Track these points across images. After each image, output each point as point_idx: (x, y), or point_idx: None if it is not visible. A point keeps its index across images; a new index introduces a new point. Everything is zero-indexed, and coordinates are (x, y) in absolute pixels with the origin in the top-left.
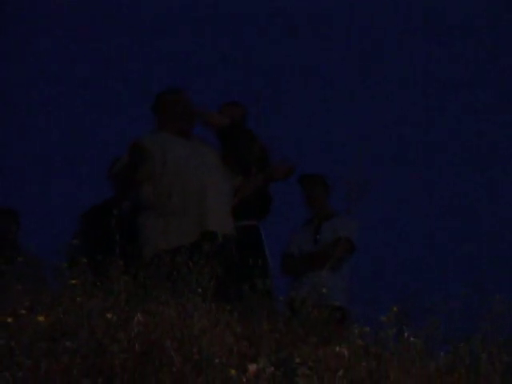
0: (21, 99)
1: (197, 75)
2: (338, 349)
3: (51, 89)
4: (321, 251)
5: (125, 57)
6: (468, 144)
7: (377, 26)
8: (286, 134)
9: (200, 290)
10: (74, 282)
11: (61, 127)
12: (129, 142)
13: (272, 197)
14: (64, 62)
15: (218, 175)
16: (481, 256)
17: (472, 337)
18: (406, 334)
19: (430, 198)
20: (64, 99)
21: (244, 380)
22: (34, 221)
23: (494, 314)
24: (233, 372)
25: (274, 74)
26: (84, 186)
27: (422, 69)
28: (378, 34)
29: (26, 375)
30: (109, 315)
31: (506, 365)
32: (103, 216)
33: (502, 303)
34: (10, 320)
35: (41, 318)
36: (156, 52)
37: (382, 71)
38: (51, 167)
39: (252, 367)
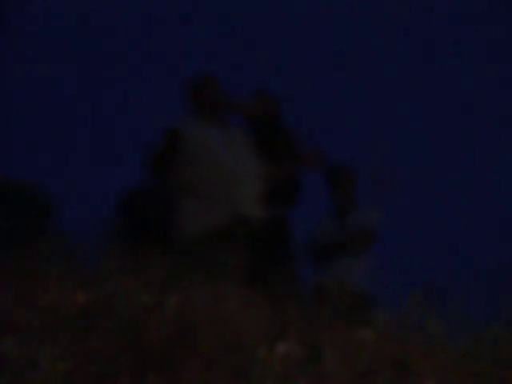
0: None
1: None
2: (362, 333)
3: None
4: (346, 240)
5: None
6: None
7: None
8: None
9: (232, 273)
10: (111, 263)
11: (97, 113)
12: (164, 127)
13: (301, 185)
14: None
15: (250, 162)
16: (503, 246)
17: (492, 323)
18: (427, 320)
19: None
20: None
21: (273, 360)
22: (73, 204)
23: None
24: (262, 352)
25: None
26: (121, 171)
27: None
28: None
29: (59, 352)
30: (145, 296)
31: None
32: (140, 200)
33: None
34: (50, 298)
35: (78, 297)
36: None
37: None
38: (89, 151)
39: (280, 348)
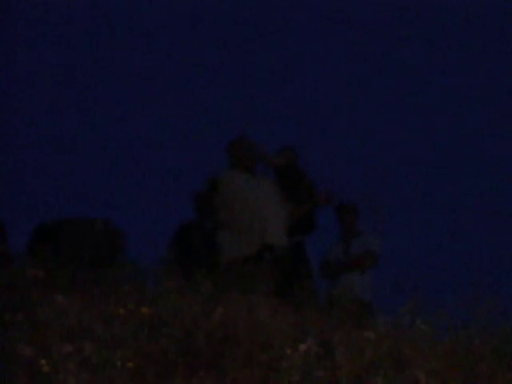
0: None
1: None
2: (366, 333)
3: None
4: (351, 260)
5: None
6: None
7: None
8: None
9: (263, 288)
10: (168, 284)
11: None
12: (207, 178)
13: (316, 218)
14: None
15: (276, 202)
16: (480, 259)
17: (469, 325)
18: (417, 322)
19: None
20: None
21: (296, 357)
22: (139, 236)
23: (486, 307)
24: (288, 350)
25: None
26: (175, 210)
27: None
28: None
29: (129, 354)
30: (195, 308)
31: (495, 347)
32: (190, 233)
33: (493, 299)
34: (121, 311)
35: (144, 310)
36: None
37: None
38: (155, 194)
39: (302, 347)
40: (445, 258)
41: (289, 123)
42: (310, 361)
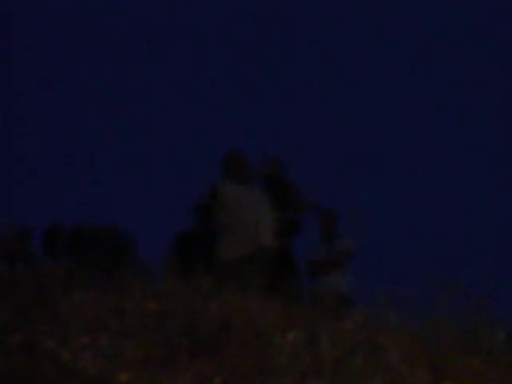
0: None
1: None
2: (345, 323)
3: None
4: (333, 258)
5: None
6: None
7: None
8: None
9: (256, 285)
10: (172, 281)
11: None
12: (207, 188)
13: (301, 223)
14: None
15: (266, 209)
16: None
17: (433, 314)
18: (390, 312)
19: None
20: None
21: (285, 344)
22: (147, 240)
23: (449, 299)
24: (277, 338)
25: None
26: (176, 218)
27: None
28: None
29: (139, 343)
30: (196, 302)
31: (457, 333)
32: (191, 236)
33: (454, 291)
34: (132, 306)
35: (151, 305)
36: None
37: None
38: (160, 205)
39: (290, 335)
40: (412, 256)
41: (276, 135)
42: (297, 347)
